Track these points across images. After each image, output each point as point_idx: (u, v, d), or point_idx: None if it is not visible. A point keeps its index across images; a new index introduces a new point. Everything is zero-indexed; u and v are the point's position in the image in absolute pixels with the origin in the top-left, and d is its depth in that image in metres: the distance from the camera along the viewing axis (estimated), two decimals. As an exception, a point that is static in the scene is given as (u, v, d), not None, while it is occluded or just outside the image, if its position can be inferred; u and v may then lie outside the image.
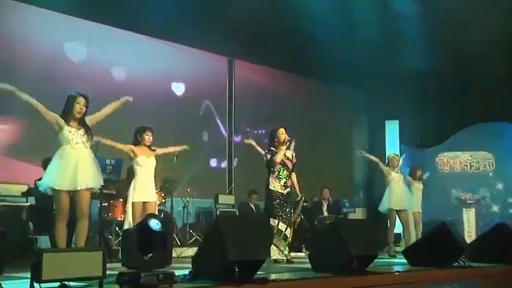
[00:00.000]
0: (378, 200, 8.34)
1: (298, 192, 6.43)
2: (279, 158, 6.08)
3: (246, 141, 6.66)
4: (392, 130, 12.59)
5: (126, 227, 5.57)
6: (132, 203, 5.67)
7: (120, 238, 6.23)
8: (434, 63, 10.06)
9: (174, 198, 8.19)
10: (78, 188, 4.62)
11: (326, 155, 11.50)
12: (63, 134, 4.69)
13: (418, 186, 8.40)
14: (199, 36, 9.22)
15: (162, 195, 7.75)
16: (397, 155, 8.26)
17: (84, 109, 4.79)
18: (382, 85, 11.56)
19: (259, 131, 10.86)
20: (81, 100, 4.78)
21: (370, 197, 12.02)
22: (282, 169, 6.12)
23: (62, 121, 4.70)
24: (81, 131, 4.76)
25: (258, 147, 6.42)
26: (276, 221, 5.98)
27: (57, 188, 4.58)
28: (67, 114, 4.76)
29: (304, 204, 9.20)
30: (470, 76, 10.55)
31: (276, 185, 6.08)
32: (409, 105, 11.43)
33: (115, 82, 8.95)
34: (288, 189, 6.16)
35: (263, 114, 10.78)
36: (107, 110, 4.95)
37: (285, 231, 6.03)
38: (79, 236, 4.71)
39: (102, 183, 4.99)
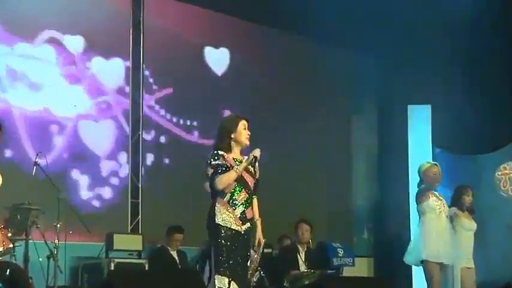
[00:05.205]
0: (396, 244, 8.36)
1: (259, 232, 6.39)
2: (236, 172, 6.02)
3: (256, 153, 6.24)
4: (419, 122, 12.71)
5: None
6: None
7: None
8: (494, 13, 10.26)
9: (31, 241, 8.09)
10: None
11: (304, 165, 11.57)
12: None
13: (470, 224, 8.40)
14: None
15: (9, 235, 7.58)
16: (436, 165, 8.29)
17: None
18: (404, 46, 11.72)
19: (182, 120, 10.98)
20: None
21: (382, 239, 12.16)
22: (237, 189, 6.07)
23: None
24: None
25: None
26: (226, 280, 5.92)
27: None
28: None
29: (265, 250, 9.19)
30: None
31: (227, 218, 6.03)
32: (449, 83, 11.65)
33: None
34: (248, 223, 6.14)
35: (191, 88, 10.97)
36: None
37: (244, 298, 6.05)
38: None
39: None
